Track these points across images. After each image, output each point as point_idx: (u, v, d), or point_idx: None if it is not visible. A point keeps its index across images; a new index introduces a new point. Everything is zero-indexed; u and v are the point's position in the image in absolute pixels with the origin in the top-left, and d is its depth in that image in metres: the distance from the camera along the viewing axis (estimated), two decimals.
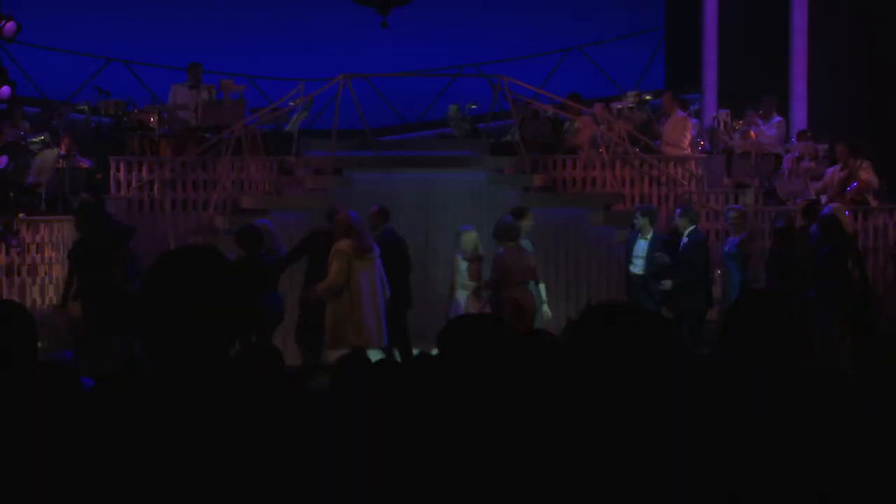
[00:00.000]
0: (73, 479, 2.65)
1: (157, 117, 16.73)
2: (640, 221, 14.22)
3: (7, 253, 14.28)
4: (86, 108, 17.72)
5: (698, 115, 19.62)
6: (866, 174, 16.30)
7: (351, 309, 12.14)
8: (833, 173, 16.49)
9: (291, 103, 17.30)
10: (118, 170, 15.72)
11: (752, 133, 17.11)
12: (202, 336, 2.76)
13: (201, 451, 2.65)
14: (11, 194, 15.12)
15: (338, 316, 12.23)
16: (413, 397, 3.39)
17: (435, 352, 3.47)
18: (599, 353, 2.32)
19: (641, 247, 14.17)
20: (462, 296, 13.63)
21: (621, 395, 2.30)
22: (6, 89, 16.04)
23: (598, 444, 2.30)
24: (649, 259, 13.97)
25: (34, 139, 16.11)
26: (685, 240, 13.95)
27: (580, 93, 18.37)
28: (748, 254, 14.19)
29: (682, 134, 17.02)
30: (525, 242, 13.41)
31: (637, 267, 14.16)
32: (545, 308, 13.33)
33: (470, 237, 13.71)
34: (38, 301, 14.27)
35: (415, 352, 12.27)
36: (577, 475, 2.30)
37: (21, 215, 14.59)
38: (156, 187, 15.72)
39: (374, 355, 11.67)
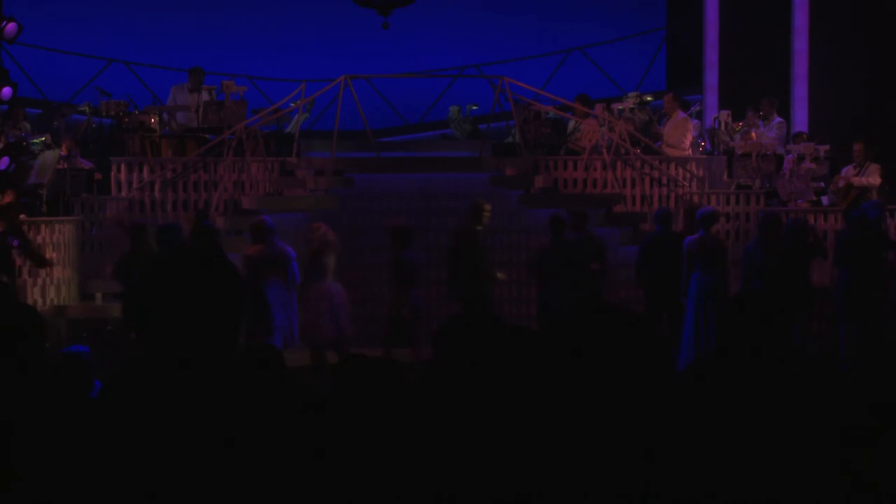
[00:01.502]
0: (75, 478, 2.66)
1: (157, 118, 16.73)
2: None
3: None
4: (87, 109, 17.71)
5: (699, 115, 19.62)
6: (869, 176, 16.32)
7: (256, 314, 12.37)
8: (847, 172, 16.53)
9: (292, 104, 17.31)
10: (119, 171, 15.73)
11: (753, 134, 17.12)
12: (203, 336, 2.76)
13: (202, 450, 2.65)
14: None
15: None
16: (412, 398, 3.40)
17: None
18: (583, 351, 2.34)
19: None
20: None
21: (604, 393, 2.31)
22: (7, 90, 16.06)
23: (586, 442, 2.30)
24: None
25: (35, 140, 16.12)
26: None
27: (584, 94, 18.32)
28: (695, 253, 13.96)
29: (682, 135, 17.04)
30: None
31: None
32: None
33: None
34: (40, 302, 14.27)
35: None
36: (573, 475, 2.31)
37: (22, 216, 14.58)
38: (157, 188, 15.73)
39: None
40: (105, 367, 9.87)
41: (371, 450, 3.02)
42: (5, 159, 15.05)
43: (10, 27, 16.16)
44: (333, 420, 3.22)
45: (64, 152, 15.79)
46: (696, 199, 16.19)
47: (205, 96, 17.00)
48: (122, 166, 15.76)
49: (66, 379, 7.62)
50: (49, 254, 14.51)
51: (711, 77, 21.15)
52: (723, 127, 17.67)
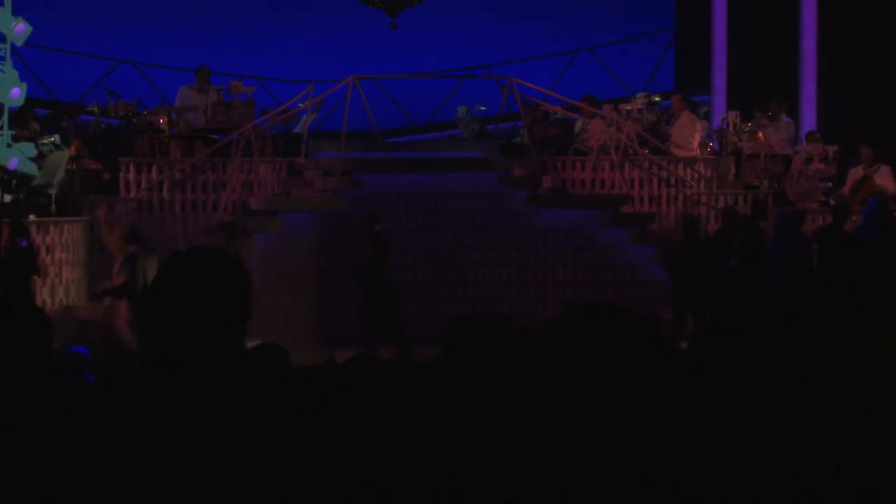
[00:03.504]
0: (81, 477, 2.67)
1: (166, 119, 16.74)
2: None
3: None
4: (95, 109, 17.74)
5: (707, 116, 19.60)
6: (882, 179, 16.32)
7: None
8: (854, 174, 16.54)
9: (301, 105, 17.33)
10: (128, 171, 15.75)
11: (760, 135, 17.11)
12: (210, 336, 2.78)
13: (209, 449, 2.66)
14: (22, 195, 15.16)
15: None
16: (418, 397, 3.41)
17: None
18: (580, 351, 2.34)
19: None
20: None
21: (602, 395, 2.32)
22: (16, 91, 16.08)
23: (582, 443, 2.32)
24: None
25: (44, 140, 16.15)
26: None
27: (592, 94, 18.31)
28: None
29: (690, 135, 17.03)
30: None
31: None
32: None
33: None
34: (49, 302, 14.29)
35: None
36: (575, 476, 2.32)
37: (31, 216, 14.62)
38: (165, 189, 15.75)
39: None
40: (111, 369, 9.92)
41: (376, 449, 3.04)
42: (14, 160, 15.09)
43: (20, 28, 16.18)
44: (339, 419, 3.23)
45: (73, 153, 15.81)
46: (703, 199, 16.21)
47: (213, 97, 17.01)
48: (131, 167, 15.78)
49: (65, 377, 7.68)
50: (59, 254, 14.54)
51: (719, 77, 21.13)
52: (731, 128, 17.66)
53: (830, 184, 16.87)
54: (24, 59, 21.21)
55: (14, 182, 15.17)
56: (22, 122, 16.53)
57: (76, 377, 8.63)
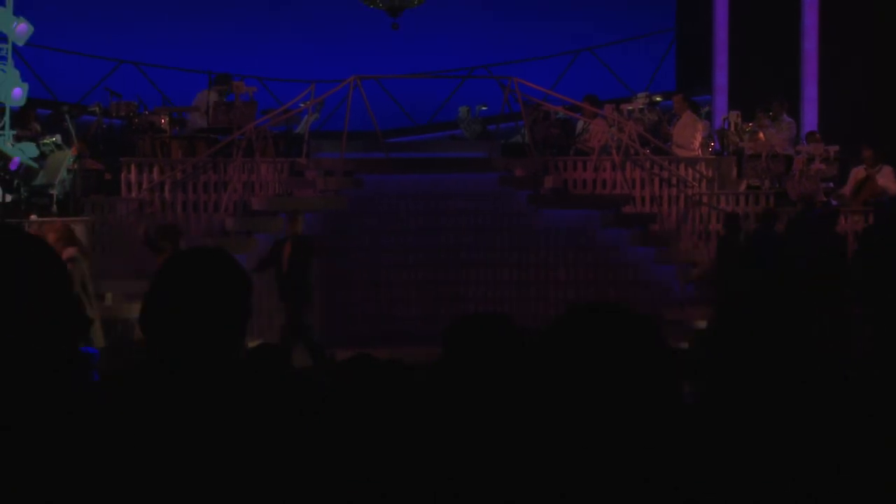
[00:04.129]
0: (83, 477, 2.68)
1: (167, 119, 16.74)
2: None
3: None
4: (97, 109, 17.74)
5: (709, 116, 19.61)
6: (884, 180, 16.33)
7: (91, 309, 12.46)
8: (855, 174, 16.54)
9: (302, 105, 17.33)
10: (129, 171, 15.75)
11: (761, 135, 17.11)
12: (211, 336, 2.78)
13: (209, 449, 2.67)
14: (24, 195, 15.18)
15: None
16: (419, 397, 3.41)
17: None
18: (581, 351, 2.35)
19: None
20: None
21: (604, 395, 2.32)
22: (18, 91, 16.09)
23: (583, 444, 2.32)
24: None
25: (46, 141, 16.16)
26: None
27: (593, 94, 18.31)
28: None
29: (692, 135, 17.03)
30: None
31: None
32: None
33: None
34: None
35: None
36: (575, 476, 2.32)
37: (33, 216, 14.63)
38: (167, 189, 15.76)
39: None
40: (114, 368, 9.91)
41: (376, 449, 3.04)
42: (16, 160, 15.10)
43: (22, 28, 16.20)
44: (339, 420, 3.24)
45: (74, 153, 15.82)
46: (705, 199, 16.21)
47: (214, 97, 17.01)
48: (132, 167, 15.78)
49: (71, 378, 7.66)
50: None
51: (721, 77, 21.14)
52: (732, 128, 17.66)
53: (832, 184, 16.86)
54: (26, 59, 21.24)
55: (16, 182, 15.18)
56: (23, 122, 16.55)
57: (83, 378, 8.63)
